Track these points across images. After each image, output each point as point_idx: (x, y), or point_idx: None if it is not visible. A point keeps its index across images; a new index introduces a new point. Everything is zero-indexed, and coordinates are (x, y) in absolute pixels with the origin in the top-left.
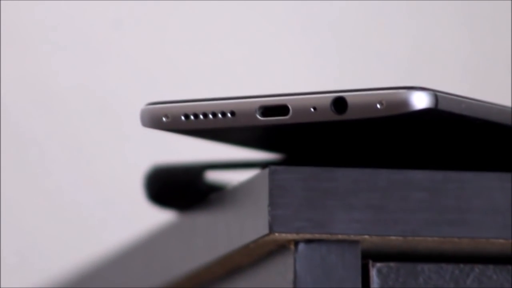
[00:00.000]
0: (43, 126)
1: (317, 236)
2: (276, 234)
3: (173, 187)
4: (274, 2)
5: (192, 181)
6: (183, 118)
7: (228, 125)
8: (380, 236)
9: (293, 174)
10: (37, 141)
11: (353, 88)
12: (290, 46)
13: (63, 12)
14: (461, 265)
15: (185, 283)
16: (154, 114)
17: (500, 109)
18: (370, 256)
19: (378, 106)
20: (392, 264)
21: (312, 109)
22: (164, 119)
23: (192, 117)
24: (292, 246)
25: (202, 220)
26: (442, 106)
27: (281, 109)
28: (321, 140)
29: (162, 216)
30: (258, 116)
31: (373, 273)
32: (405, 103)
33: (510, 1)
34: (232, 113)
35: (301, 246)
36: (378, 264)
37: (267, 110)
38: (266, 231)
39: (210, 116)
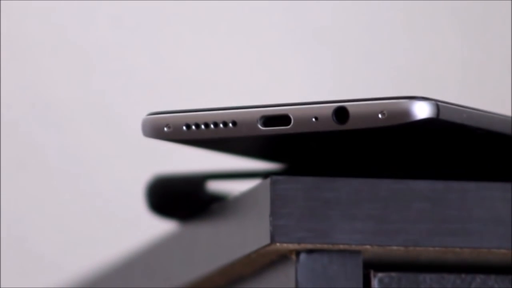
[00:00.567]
0: (43, 136)
1: (318, 246)
2: (278, 244)
3: (175, 197)
4: (275, 12)
5: (193, 191)
6: (184, 128)
7: (229, 135)
8: (381, 246)
9: (294, 184)
10: (38, 150)
11: (354, 98)
12: (291, 56)
13: (62, 21)
14: (463, 275)
15: None
16: (156, 124)
17: (501, 118)
18: (371, 266)
19: (380, 116)
20: (393, 274)
21: (313, 119)
22: (165, 129)
23: (193, 127)
24: (293, 256)
25: (204, 230)
26: (444, 116)
27: (283, 119)
28: (323, 150)
29: (163, 226)
30: (260, 126)
31: (375, 283)
32: (407, 113)
33: (510, 11)
34: (234, 123)
35: (303, 256)
36: (380, 274)
37: (269, 120)
38: (267, 241)
39: (212, 126)
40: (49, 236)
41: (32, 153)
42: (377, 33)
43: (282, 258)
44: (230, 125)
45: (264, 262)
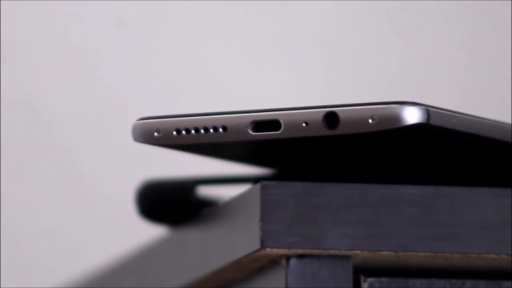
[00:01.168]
0: (32, 141)
1: (308, 251)
2: (268, 249)
3: (165, 202)
4: (266, 17)
5: (184, 196)
6: (174, 133)
7: (219, 140)
8: (371, 251)
9: (285, 189)
10: (27, 155)
11: (345, 103)
12: (282, 61)
13: (54, 24)
14: (453, 280)
15: None
16: (146, 129)
17: (492, 124)
18: (361, 271)
19: (370, 121)
20: (383, 279)
21: (304, 124)
22: (155, 134)
23: (183, 132)
24: (284, 261)
25: (194, 235)
26: (434, 121)
27: (273, 124)
28: (313, 155)
29: (154, 231)
30: (250, 131)
31: None
32: (397, 118)
33: (510, 14)
34: (224, 128)
35: (293, 261)
36: (370, 279)
37: (259, 125)
38: (257, 246)
39: (202, 131)
40: (39, 240)
41: (23, 156)
42: (368, 37)
43: (272, 263)
44: (220, 130)
45: (254, 267)
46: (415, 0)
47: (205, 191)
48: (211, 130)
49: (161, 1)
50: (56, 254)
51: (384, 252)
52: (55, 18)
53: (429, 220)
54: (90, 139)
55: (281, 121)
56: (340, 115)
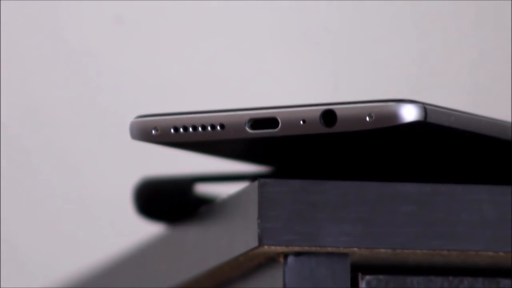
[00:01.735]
0: (32, 138)
1: (306, 249)
2: (266, 247)
3: (163, 200)
4: (264, 15)
5: (181, 194)
6: (172, 130)
7: (217, 137)
8: (369, 249)
9: (282, 187)
10: (26, 152)
11: (342, 101)
12: (279, 59)
13: (53, 23)
14: (450, 278)
15: None
16: (144, 126)
17: (489, 121)
18: (359, 268)
19: (367, 118)
20: (381, 276)
21: (301, 122)
22: (153, 131)
23: (181, 129)
24: (281, 259)
25: (192, 233)
26: (431, 119)
27: (271, 122)
28: (311, 152)
29: (151, 229)
30: (248, 129)
31: (363, 286)
32: (394, 115)
33: (510, 15)
34: (222, 126)
35: (291, 259)
36: (368, 277)
37: (257, 123)
38: (255, 244)
39: (200, 128)
40: (37, 238)
41: (20, 154)
42: (366, 35)
43: (270, 261)
44: (218, 128)
45: (252, 265)
46: (413, 0)
47: (203, 189)
48: (209, 128)
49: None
50: (54, 252)
51: (382, 250)
52: (53, 16)
53: (427, 218)
54: (88, 137)
55: (279, 119)
56: (338, 113)
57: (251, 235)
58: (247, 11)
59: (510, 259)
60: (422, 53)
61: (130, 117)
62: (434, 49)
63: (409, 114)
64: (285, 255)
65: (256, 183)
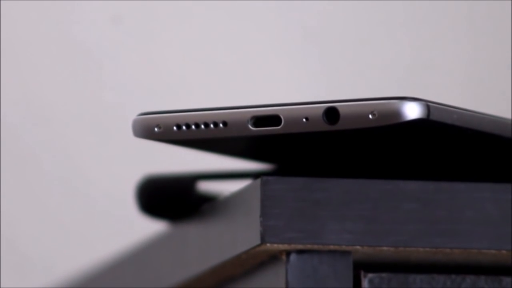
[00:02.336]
0: (35, 136)
1: (309, 246)
2: (268, 245)
3: (165, 198)
4: (266, 12)
5: (184, 192)
6: (175, 128)
7: (220, 135)
8: (372, 247)
9: (285, 185)
10: (29, 150)
11: (345, 99)
12: (282, 56)
13: (56, 21)
14: (453, 276)
15: None
16: (146, 124)
17: (492, 119)
18: (361, 266)
19: (370, 116)
20: (383, 274)
21: (304, 120)
22: (156, 129)
23: (184, 127)
24: (284, 257)
25: (194, 231)
26: (434, 116)
27: (273, 119)
28: (313, 150)
29: (154, 227)
30: (250, 127)
31: (365, 283)
32: (397, 113)
33: (511, 11)
34: (224, 124)
35: (293, 257)
36: (370, 275)
37: (259, 121)
38: (258, 241)
39: (202, 126)
40: (39, 235)
41: (23, 152)
42: (368, 32)
43: (272, 258)
44: (221, 125)
45: (255, 262)
46: None
47: (205, 187)
48: (211, 126)
49: None
50: (56, 249)
51: (384, 248)
52: (55, 12)
53: (429, 215)
54: (91, 134)
55: (282, 117)
56: (341, 110)
57: (253, 233)
58: (250, 8)
59: None
60: (423, 51)
61: (133, 114)
62: (437, 46)
63: (412, 111)
64: (288, 253)
65: (258, 180)
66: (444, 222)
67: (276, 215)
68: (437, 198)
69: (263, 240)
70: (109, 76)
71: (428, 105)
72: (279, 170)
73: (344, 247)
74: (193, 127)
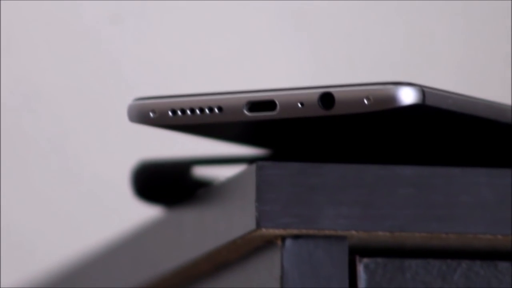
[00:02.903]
0: (29, 122)
1: (304, 231)
2: (264, 230)
3: (161, 183)
4: None
5: (179, 177)
6: (170, 113)
7: (215, 120)
8: (367, 232)
9: (280, 170)
10: (24, 136)
11: (340, 84)
12: (277, 41)
13: (51, 10)
14: (449, 261)
15: (173, 279)
16: (142, 109)
17: (488, 104)
18: (357, 251)
19: (366, 101)
20: (379, 259)
21: (299, 105)
22: (151, 114)
23: (179, 112)
24: (279, 242)
25: (190, 216)
26: (429, 101)
27: (269, 105)
28: (309, 135)
29: (149, 212)
30: (246, 112)
31: (360, 268)
32: (393, 98)
33: (510, 1)
34: (220, 109)
35: (288, 242)
36: (365, 260)
37: (255, 106)
38: (253, 226)
39: (198, 111)
40: (34, 222)
41: (19, 138)
42: (365, 18)
43: (267, 243)
44: (216, 110)
45: (250, 247)
46: None
47: (201, 172)
48: (207, 111)
49: None
50: (50, 234)
51: (380, 233)
52: (51, 2)
53: (425, 200)
54: (86, 120)
55: (277, 102)
56: (336, 95)
57: (249, 218)
58: None
59: (508, 242)
60: (420, 36)
61: (128, 99)
62: (433, 31)
63: (407, 96)
64: (283, 238)
65: (254, 165)
66: (440, 207)
67: (272, 200)
68: (433, 183)
69: (258, 225)
70: (105, 61)
71: (423, 90)
72: (274, 155)
73: (339, 232)
74: (188, 112)
